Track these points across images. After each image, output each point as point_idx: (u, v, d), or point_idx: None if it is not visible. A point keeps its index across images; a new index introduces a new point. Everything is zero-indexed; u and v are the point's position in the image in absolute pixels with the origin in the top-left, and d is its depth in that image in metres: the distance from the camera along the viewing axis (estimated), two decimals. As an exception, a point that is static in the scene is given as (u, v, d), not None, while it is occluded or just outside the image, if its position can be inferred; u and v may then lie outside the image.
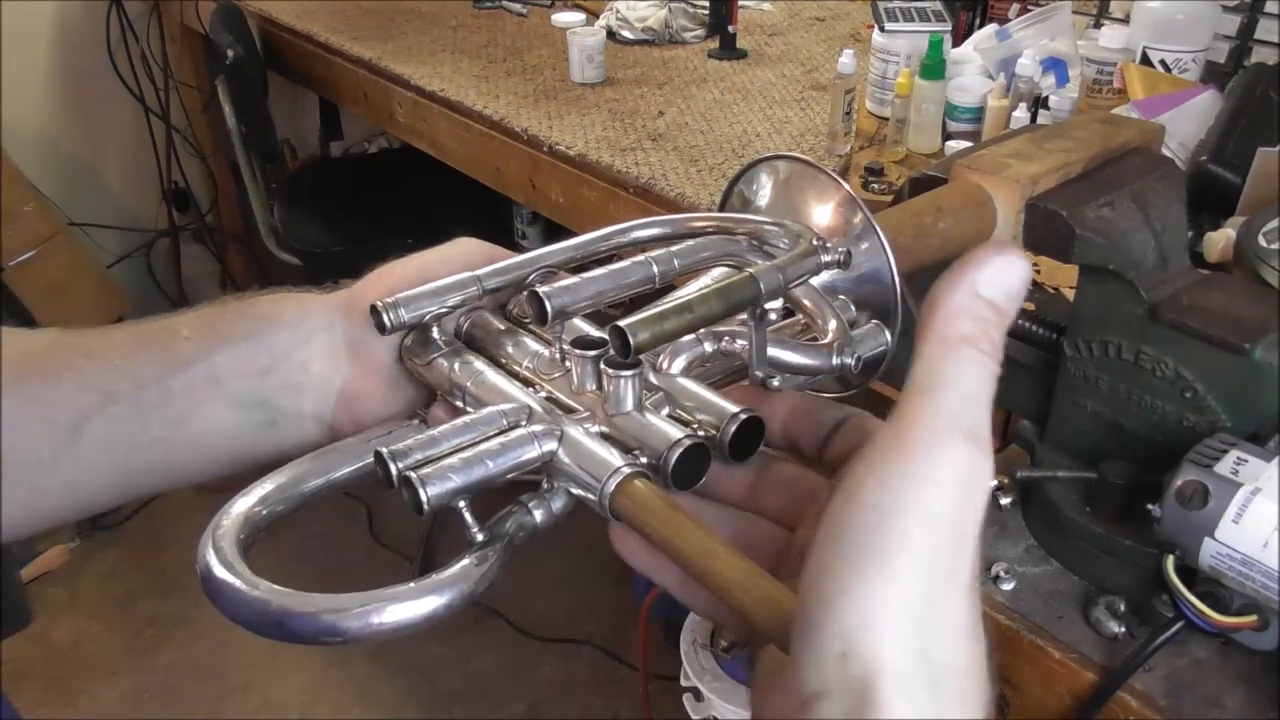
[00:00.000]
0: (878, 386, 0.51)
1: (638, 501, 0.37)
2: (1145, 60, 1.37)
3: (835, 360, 0.44)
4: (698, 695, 1.60)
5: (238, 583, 0.37)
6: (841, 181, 0.50)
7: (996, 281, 0.32)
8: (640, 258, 0.45)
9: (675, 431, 0.38)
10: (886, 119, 1.45)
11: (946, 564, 0.29)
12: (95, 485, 0.50)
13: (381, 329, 0.46)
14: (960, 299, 0.31)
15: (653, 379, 0.42)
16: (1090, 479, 0.72)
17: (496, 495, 0.41)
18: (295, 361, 0.51)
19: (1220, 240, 1.00)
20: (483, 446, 0.39)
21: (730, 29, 1.84)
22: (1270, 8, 1.39)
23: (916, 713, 0.28)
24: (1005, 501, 0.80)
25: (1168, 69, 1.37)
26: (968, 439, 0.29)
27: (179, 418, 0.50)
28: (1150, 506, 0.64)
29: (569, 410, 0.42)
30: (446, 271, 0.48)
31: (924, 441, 0.29)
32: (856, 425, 0.42)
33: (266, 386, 0.51)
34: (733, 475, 0.42)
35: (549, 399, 0.43)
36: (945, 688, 0.28)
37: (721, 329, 0.44)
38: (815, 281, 0.48)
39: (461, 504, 0.38)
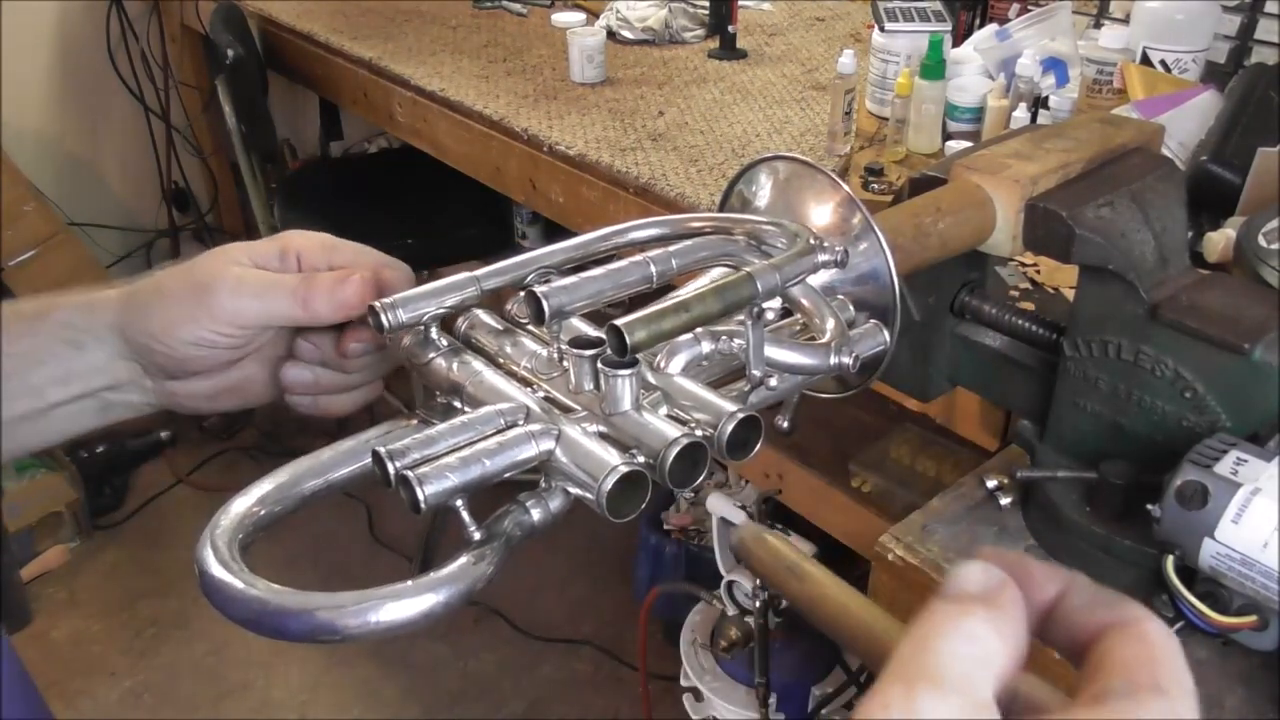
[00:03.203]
0: (878, 386, 0.51)
1: (639, 502, 0.37)
2: (1145, 60, 1.37)
3: (833, 359, 0.44)
4: (697, 695, 1.60)
5: (235, 582, 0.37)
6: (841, 182, 0.50)
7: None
8: (638, 258, 0.45)
9: (672, 430, 0.38)
10: (886, 119, 1.45)
11: None
12: None
13: (380, 329, 0.46)
14: (1150, 650, 0.30)
15: (650, 378, 0.42)
16: (1090, 479, 0.72)
17: (494, 494, 0.41)
18: (99, 363, 0.56)
19: (1220, 240, 1.00)
20: (480, 445, 0.39)
21: (730, 29, 1.84)
22: (1270, 8, 1.38)
23: None
24: (1005, 501, 0.80)
25: (1168, 69, 1.36)
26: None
27: (11, 424, 0.56)
28: (1150, 506, 0.64)
29: (567, 410, 0.42)
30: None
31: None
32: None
33: (88, 384, 0.57)
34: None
35: (547, 398, 0.43)
36: None
37: (719, 328, 0.44)
38: (814, 281, 0.48)
39: (459, 503, 0.38)
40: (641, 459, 0.38)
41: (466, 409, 0.44)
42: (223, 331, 0.54)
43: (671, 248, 0.46)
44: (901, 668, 0.27)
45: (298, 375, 0.56)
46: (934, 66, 1.36)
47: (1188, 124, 1.21)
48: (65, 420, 0.58)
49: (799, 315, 0.48)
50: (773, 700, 1.51)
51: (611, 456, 0.38)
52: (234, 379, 0.57)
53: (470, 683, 2.10)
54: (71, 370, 0.56)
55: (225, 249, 0.57)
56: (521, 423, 0.41)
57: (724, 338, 0.43)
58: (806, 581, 0.34)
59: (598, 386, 0.41)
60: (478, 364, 0.46)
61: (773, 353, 0.43)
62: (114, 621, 2.24)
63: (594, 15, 2.00)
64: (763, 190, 0.54)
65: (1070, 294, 0.91)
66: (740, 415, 0.39)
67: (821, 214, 0.51)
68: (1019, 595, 0.30)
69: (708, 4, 1.94)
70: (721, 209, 0.55)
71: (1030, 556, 0.32)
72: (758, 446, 0.40)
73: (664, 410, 0.40)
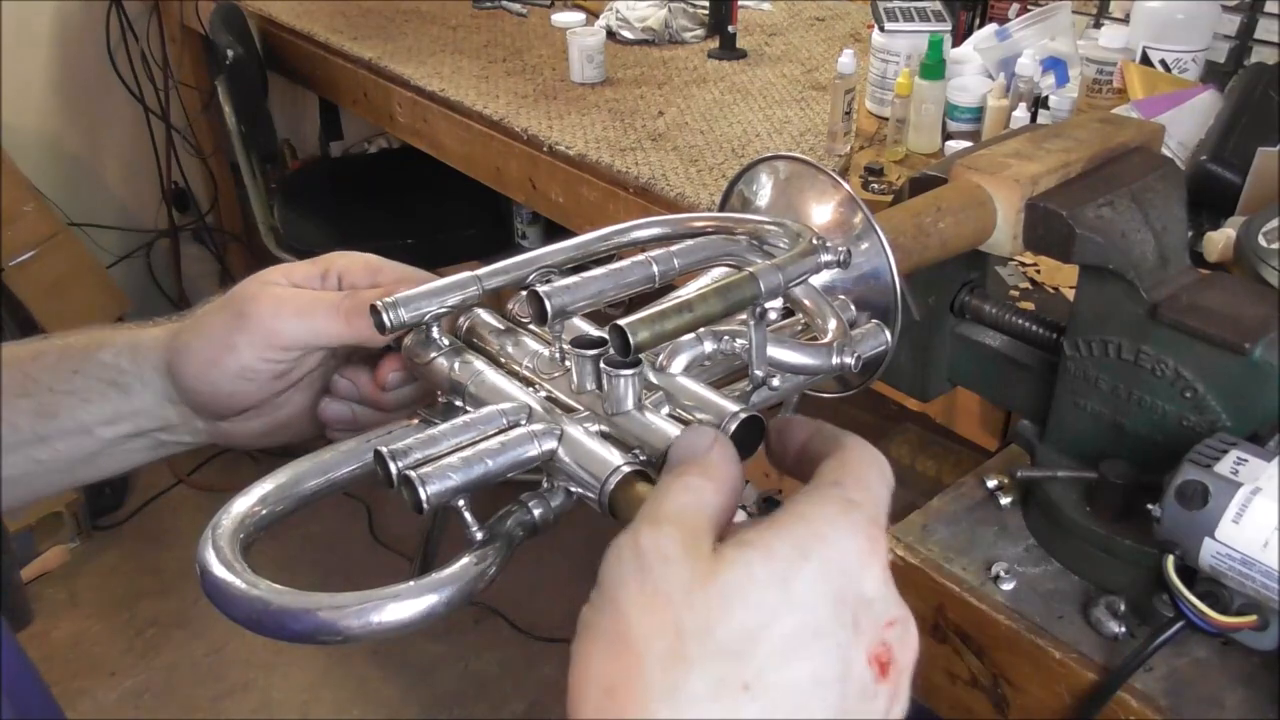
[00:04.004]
0: (878, 386, 0.51)
1: (638, 500, 0.37)
2: (1145, 60, 1.37)
3: (835, 360, 0.44)
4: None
5: (237, 582, 0.37)
6: (841, 181, 0.50)
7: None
8: (640, 257, 0.45)
9: (675, 430, 0.38)
10: (886, 119, 1.45)
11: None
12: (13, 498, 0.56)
13: (381, 329, 0.46)
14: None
15: (652, 378, 0.42)
16: (1090, 479, 0.72)
17: (496, 494, 0.41)
18: (148, 406, 0.56)
19: (1220, 240, 1.00)
20: (482, 445, 0.39)
21: (730, 29, 1.84)
22: (1270, 8, 1.39)
23: None
24: (1005, 501, 0.80)
25: (1168, 69, 1.37)
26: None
27: (66, 459, 0.56)
28: (1150, 506, 0.64)
29: (569, 409, 0.42)
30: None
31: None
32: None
33: (138, 425, 0.56)
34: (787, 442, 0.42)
35: (549, 398, 0.43)
36: None
37: (721, 328, 0.44)
38: (815, 281, 0.48)
39: (461, 503, 0.38)
40: (644, 459, 0.38)
41: (468, 409, 0.44)
42: (265, 356, 0.52)
43: (673, 247, 0.46)
44: (631, 524, 0.32)
45: (336, 412, 0.55)
46: (934, 66, 1.36)
47: (1188, 124, 1.21)
48: (118, 458, 0.57)
49: (801, 315, 0.48)
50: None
51: (614, 456, 0.38)
52: (283, 416, 0.56)
53: (470, 683, 2.10)
54: (119, 412, 0.56)
55: (263, 273, 0.55)
56: (524, 422, 0.41)
57: (726, 337, 0.43)
58: None
59: (600, 386, 0.41)
60: (479, 364, 0.46)
61: (775, 353, 0.43)
62: (114, 621, 2.24)
63: (594, 15, 2.00)
64: (763, 190, 0.54)
65: (1070, 294, 0.91)
66: (743, 415, 0.39)
67: (822, 214, 0.51)
68: (729, 451, 0.36)
69: (708, 4, 1.94)
70: (722, 209, 0.55)
71: (791, 417, 0.40)
72: (760, 446, 0.40)
73: (666, 410, 0.40)
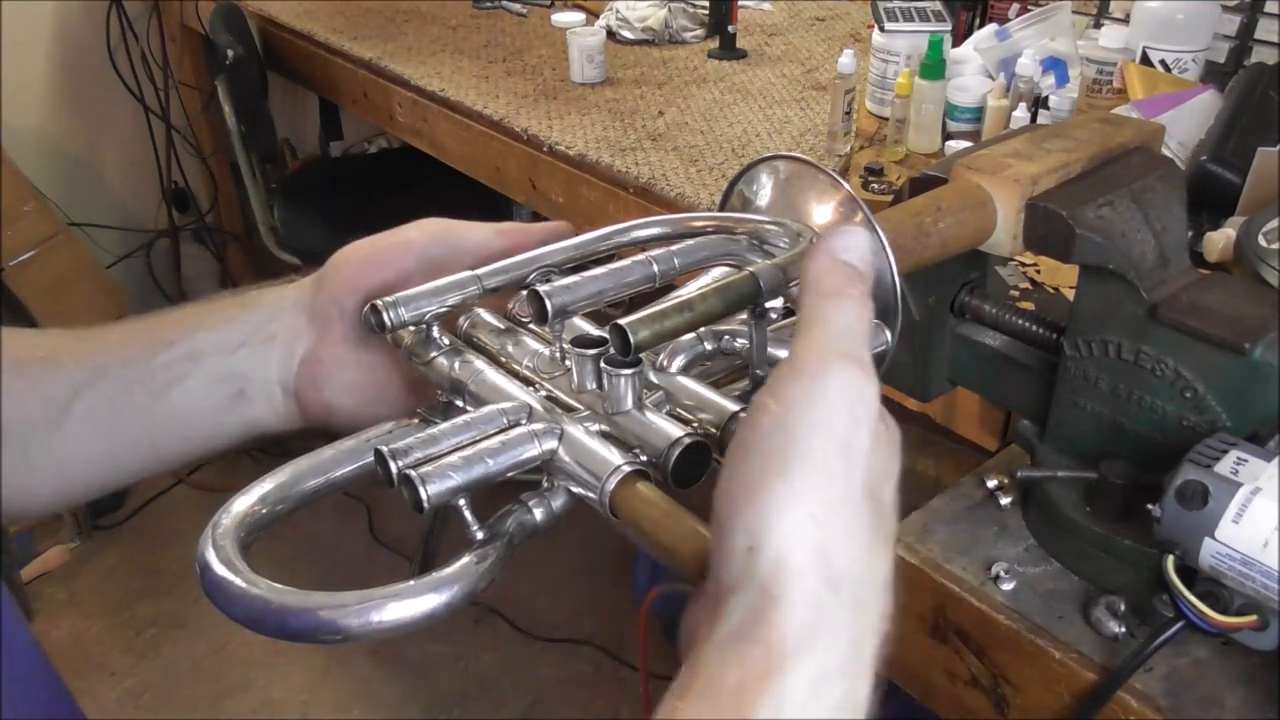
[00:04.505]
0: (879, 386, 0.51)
1: (638, 500, 0.37)
2: (1145, 60, 1.37)
3: (835, 359, 0.44)
4: (697, 695, 1.60)
5: (237, 580, 0.37)
6: (841, 181, 0.50)
7: (850, 248, 0.38)
8: (640, 257, 0.46)
9: (675, 430, 0.38)
10: (886, 119, 1.45)
11: (842, 471, 0.32)
12: (81, 462, 0.54)
13: (381, 327, 0.46)
14: (821, 263, 0.38)
15: (653, 378, 0.42)
16: (1090, 479, 0.72)
17: (497, 494, 0.41)
18: (265, 335, 0.55)
19: (1220, 240, 1.00)
20: (483, 445, 0.39)
21: (730, 29, 1.84)
22: (1270, 8, 1.39)
23: (810, 604, 0.30)
24: (1005, 501, 0.80)
25: (1168, 69, 1.36)
26: (848, 360, 0.34)
27: (160, 391, 0.53)
28: (1150, 506, 0.64)
29: (569, 409, 0.42)
30: (404, 250, 0.54)
31: (812, 364, 0.34)
32: None
33: (238, 360, 0.54)
34: None
35: (549, 398, 0.43)
36: (842, 590, 0.31)
37: (722, 328, 0.44)
38: (815, 281, 0.48)
39: (461, 502, 0.38)
40: (644, 458, 0.38)
41: (469, 408, 0.44)
42: (433, 236, 0.54)
43: (674, 247, 0.46)
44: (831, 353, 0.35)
45: None
46: (934, 66, 1.36)
47: (1188, 124, 1.21)
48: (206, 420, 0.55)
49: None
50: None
51: (614, 456, 0.38)
52: (376, 381, 0.55)
53: (470, 683, 2.10)
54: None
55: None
56: (524, 422, 0.41)
57: (726, 337, 0.43)
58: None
59: (600, 386, 0.41)
60: (480, 363, 0.46)
61: (775, 352, 0.43)
62: (114, 621, 2.24)
63: (594, 15, 2.00)
64: (763, 190, 0.54)
65: (1070, 294, 0.91)
66: (743, 415, 0.39)
67: (822, 213, 0.51)
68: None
69: (708, 4, 1.94)
70: (722, 208, 0.55)
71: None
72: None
73: (666, 410, 0.40)
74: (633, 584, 2.07)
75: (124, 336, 0.55)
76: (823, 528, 0.31)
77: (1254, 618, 0.63)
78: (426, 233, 0.55)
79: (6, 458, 0.51)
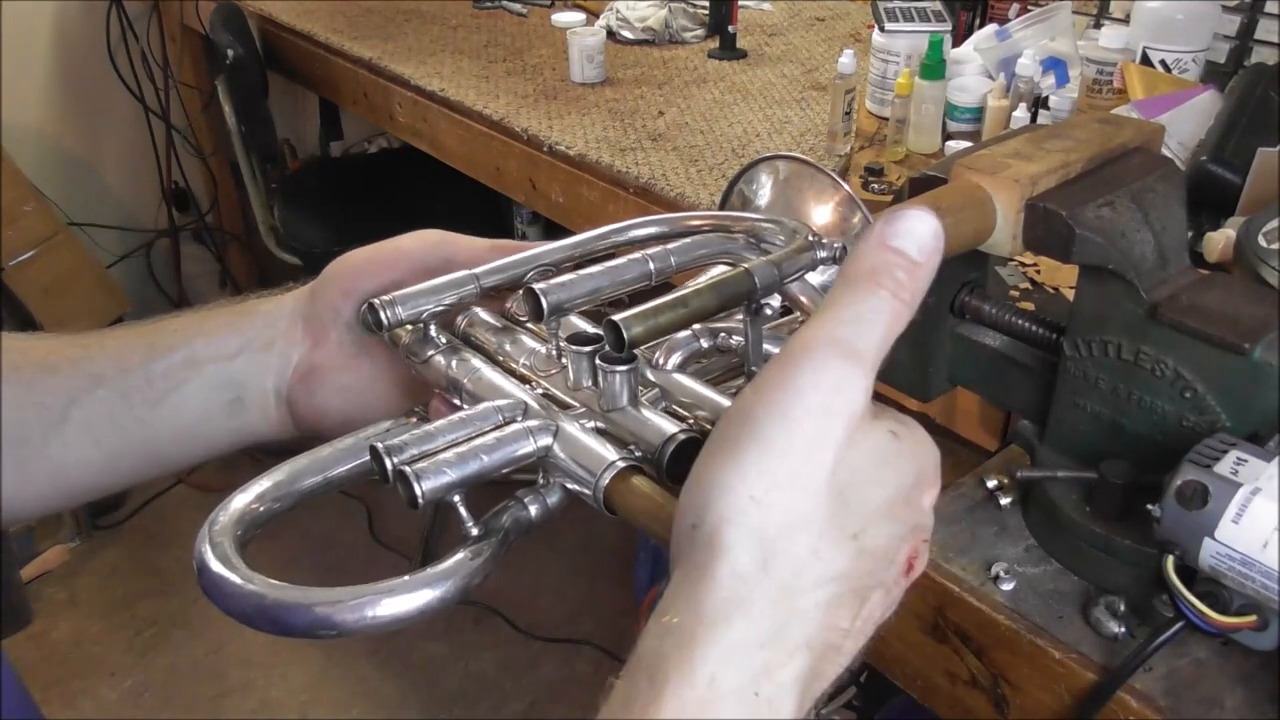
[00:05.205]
0: (878, 386, 0.51)
1: (632, 495, 0.36)
2: (1145, 60, 1.37)
3: (833, 357, 0.44)
4: (697, 696, 1.59)
5: (233, 576, 0.37)
6: (841, 181, 0.50)
7: (907, 233, 0.35)
8: (636, 255, 0.45)
9: (670, 426, 0.38)
10: (886, 119, 1.45)
11: (797, 458, 0.32)
12: (78, 468, 0.54)
13: (379, 326, 0.46)
14: (865, 246, 0.35)
15: (649, 375, 0.42)
16: (1090, 479, 0.72)
17: (493, 491, 0.41)
18: (262, 342, 0.55)
19: (1220, 240, 1.00)
20: (478, 441, 0.39)
21: (730, 29, 1.84)
22: (1270, 8, 1.38)
23: (735, 577, 0.31)
24: (1005, 501, 0.80)
25: (1168, 69, 1.36)
26: (833, 349, 0.33)
27: (158, 398, 0.53)
28: (1150, 506, 0.64)
29: (565, 406, 0.42)
30: (400, 258, 0.53)
31: (795, 351, 0.33)
32: None
33: (235, 367, 0.54)
34: None
35: (545, 395, 0.43)
36: (772, 569, 0.31)
37: (718, 325, 0.44)
38: (814, 280, 0.48)
39: (457, 499, 0.38)
40: (639, 454, 0.38)
41: (465, 405, 0.44)
42: (427, 244, 0.54)
43: (670, 245, 0.46)
44: (825, 335, 0.33)
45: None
46: (934, 66, 1.36)
47: (1188, 124, 1.21)
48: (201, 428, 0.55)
49: (798, 313, 0.48)
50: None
51: (609, 452, 0.38)
52: (368, 387, 0.55)
53: (470, 683, 2.09)
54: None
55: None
56: (520, 419, 0.40)
57: (722, 334, 0.43)
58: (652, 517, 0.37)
59: (596, 383, 0.41)
60: (476, 361, 0.46)
61: (771, 349, 0.43)
62: (114, 621, 2.24)
63: (594, 15, 2.00)
64: (763, 190, 0.54)
65: (1070, 294, 0.91)
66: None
67: (822, 213, 0.51)
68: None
69: (708, 4, 1.94)
70: (722, 208, 0.55)
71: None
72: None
73: (662, 406, 0.40)
74: (633, 584, 2.07)
75: (121, 343, 0.55)
76: (763, 509, 0.31)
77: (1254, 618, 0.63)
78: (423, 241, 0.55)
79: (4, 468, 0.52)
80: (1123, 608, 0.70)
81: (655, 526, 0.35)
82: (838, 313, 0.33)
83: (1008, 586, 0.73)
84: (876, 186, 1.29)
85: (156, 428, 0.54)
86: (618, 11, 1.93)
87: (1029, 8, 1.61)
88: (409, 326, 0.48)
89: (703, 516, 0.31)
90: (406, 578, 0.37)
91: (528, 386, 0.43)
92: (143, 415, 0.53)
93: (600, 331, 0.40)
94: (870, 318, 0.33)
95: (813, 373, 0.32)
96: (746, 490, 0.31)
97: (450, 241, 0.55)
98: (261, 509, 0.43)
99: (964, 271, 0.77)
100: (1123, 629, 0.69)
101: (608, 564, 2.28)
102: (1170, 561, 0.64)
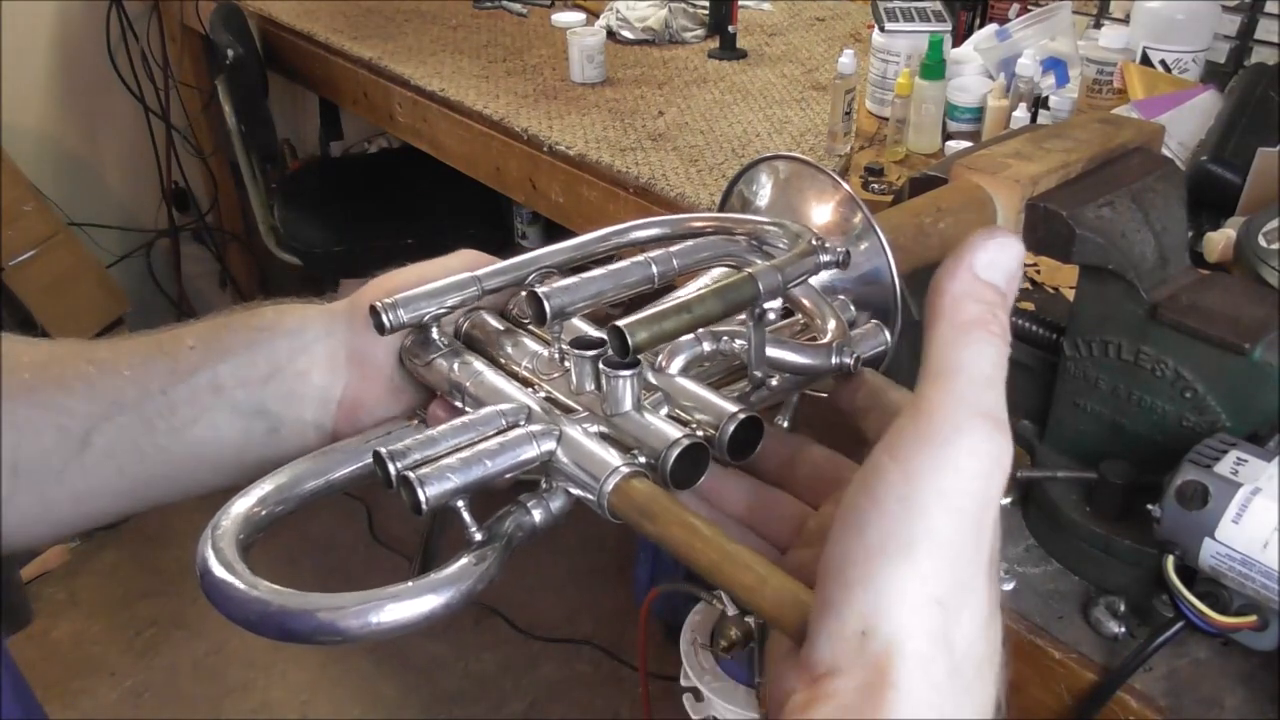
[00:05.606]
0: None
1: (636, 500, 0.36)
2: (1145, 60, 1.37)
3: (834, 360, 0.44)
4: (697, 695, 1.60)
5: (236, 582, 0.37)
6: (841, 181, 0.50)
7: (995, 264, 0.32)
8: (639, 258, 0.45)
9: (674, 431, 0.38)
10: (886, 119, 1.45)
11: (970, 549, 0.29)
12: (102, 495, 0.52)
13: (381, 329, 0.46)
14: (963, 284, 0.32)
15: (651, 379, 0.42)
16: (1090, 479, 0.72)
17: (495, 495, 0.41)
18: (295, 369, 0.51)
19: (1220, 240, 1.00)
20: (481, 446, 0.39)
21: (730, 29, 1.84)
22: (1270, 8, 1.39)
23: (934, 692, 0.29)
24: (1005, 501, 0.80)
25: (1168, 69, 1.37)
26: (988, 422, 0.30)
27: (182, 426, 0.51)
28: (1150, 506, 0.64)
29: (568, 410, 0.42)
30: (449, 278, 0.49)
31: (945, 427, 0.30)
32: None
33: (267, 395, 0.51)
34: (767, 452, 0.42)
35: (548, 399, 0.43)
36: (964, 671, 0.30)
37: (720, 329, 0.44)
38: (815, 281, 0.48)
39: (460, 504, 0.38)
40: (642, 459, 0.38)
41: (467, 409, 0.44)
42: (450, 272, 0.50)
43: (673, 248, 0.46)
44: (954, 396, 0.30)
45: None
46: (934, 66, 1.36)
47: (1188, 124, 1.21)
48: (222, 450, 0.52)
49: (800, 315, 0.48)
50: (773, 700, 1.51)
51: (612, 457, 0.38)
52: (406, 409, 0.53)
53: (470, 683, 2.10)
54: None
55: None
56: (523, 423, 0.40)
57: (725, 338, 0.43)
58: (657, 522, 0.35)
59: (599, 387, 0.41)
60: (479, 364, 0.46)
61: (774, 353, 0.43)
62: (114, 621, 2.24)
63: (594, 15, 2.00)
64: (763, 190, 0.54)
65: (1070, 294, 0.91)
66: (742, 416, 0.39)
67: (822, 214, 0.51)
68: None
69: (708, 4, 1.94)
70: (721, 209, 0.55)
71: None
72: (759, 447, 0.40)
73: (665, 411, 0.40)
74: (633, 584, 2.07)
75: (138, 359, 0.52)
76: (947, 612, 0.29)
77: (1254, 618, 0.63)
78: (467, 262, 0.51)
79: (23, 493, 0.49)
80: (1123, 608, 0.70)
81: (660, 532, 0.35)
82: (971, 373, 0.31)
83: (1008, 586, 0.73)
84: (876, 186, 1.29)
85: (182, 457, 0.51)
86: (618, 11, 1.93)
87: (1029, 8, 1.61)
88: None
89: (877, 624, 0.29)
90: (410, 584, 0.37)
91: (530, 390, 0.43)
92: (167, 444, 0.51)
93: (603, 335, 0.40)
94: (995, 373, 0.31)
95: (975, 453, 0.29)
96: (928, 592, 0.29)
97: (492, 260, 0.52)
98: (264, 512, 0.43)
99: (964, 272, 0.77)
100: (1123, 629, 0.69)
101: (608, 564, 2.28)
102: (1170, 561, 0.64)
